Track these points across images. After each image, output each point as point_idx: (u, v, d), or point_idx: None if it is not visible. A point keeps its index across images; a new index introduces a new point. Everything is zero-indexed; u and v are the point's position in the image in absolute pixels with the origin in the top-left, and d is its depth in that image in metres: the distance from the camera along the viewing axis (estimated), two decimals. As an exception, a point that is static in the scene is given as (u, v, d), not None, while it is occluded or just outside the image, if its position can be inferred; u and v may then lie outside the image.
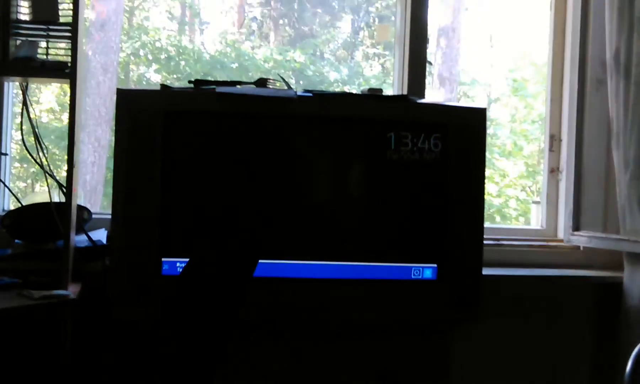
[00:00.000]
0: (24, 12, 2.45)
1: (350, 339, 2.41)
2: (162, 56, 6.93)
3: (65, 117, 6.20)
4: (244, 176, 2.29)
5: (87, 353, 2.47)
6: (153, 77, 7.19)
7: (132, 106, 2.24)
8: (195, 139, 2.27)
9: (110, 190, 6.53)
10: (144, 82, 7.29)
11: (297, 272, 2.34)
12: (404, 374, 2.42)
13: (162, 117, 2.24)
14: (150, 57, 6.90)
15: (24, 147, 2.63)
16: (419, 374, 2.43)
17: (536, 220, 3.26)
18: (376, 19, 8.01)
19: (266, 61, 7.23)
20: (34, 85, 3.14)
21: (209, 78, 6.77)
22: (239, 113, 2.27)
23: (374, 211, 2.38)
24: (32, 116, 2.59)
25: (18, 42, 2.44)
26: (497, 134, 7.12)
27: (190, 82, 2.35)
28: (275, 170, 2.30)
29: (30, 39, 2.45)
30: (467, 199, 2.38)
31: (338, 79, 7.75)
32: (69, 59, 2.40)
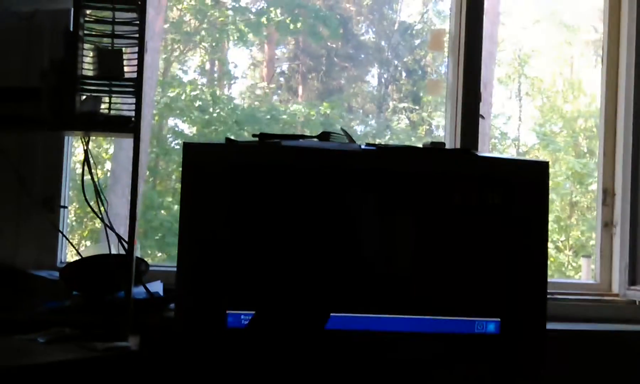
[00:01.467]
0: (88, 68, 2.49)
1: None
2: (195, 110, 7.02)
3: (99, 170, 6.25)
4: (310, 230, 2.29)
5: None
6: (186, 130, 7.28)
7: (198, 159, 2.26)
8: (261, 193, 2.28)
9: (145, 241, 6.55)
10: (177, 135, 7.38)
11: (362, 325, 2.33)
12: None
13: (229, 171, 2.25)
14: (182, 110, 7.00)
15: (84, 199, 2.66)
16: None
17: (586, 274, 3.25)
18: (403, 73, 8.09)
19: (296, 114, 7.31)
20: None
21: (242, 131, 6.84)
22: (305, 167, 2.29)
23: (439, 264, 2.37)
24: (92, 170, 2.63)
25: (83, 97, 2.48)
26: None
27: (254, 135, 2.37)
28: (340, 223, 2.31)
29: (94, 94, 2.49)
30: (531, 253, 2.37)
31: (367, 132, 7.83)
32: (130, 113, 2.44)
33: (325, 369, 2.28)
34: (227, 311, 2.28)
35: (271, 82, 7.88)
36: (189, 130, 7.39)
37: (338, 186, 2.31)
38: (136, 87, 2.44)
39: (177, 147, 7.15)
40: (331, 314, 2.28)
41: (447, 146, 3.00)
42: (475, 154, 2.48)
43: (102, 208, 2.62)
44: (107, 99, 2.52)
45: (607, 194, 3.12)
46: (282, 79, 8.11)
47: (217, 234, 2.27)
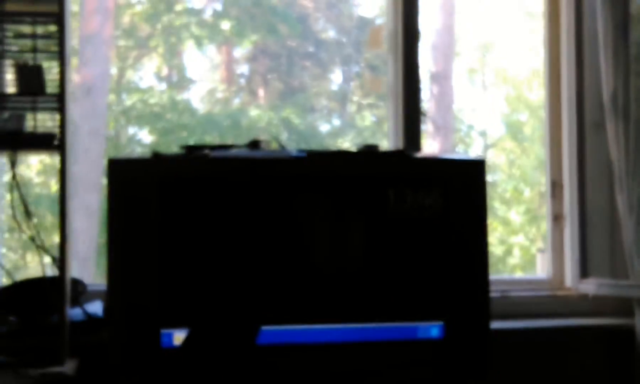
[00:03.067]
0: (9, 84, 2.41)
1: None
2: (152, 117, 6.91)
3: (54, 182, 6.15)
4: (242, 241, 2.22)
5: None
6: (144, 138, 7.17)
7: (124, 175, 2.19)
8: (190, 206, 2.21)
9: (103, 259, 6.45)
10: (135, 144, 7.27)
11: (299, 338, 2.27)
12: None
13: (156, 185, 2.18)
14: (140, 118, 6.89)
15: (14, 220, 2.58)
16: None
17: (542, 269, 3.20)
18: (366, 70, 8.02)
19: (258, 118, 7.22)
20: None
21: (202, 137, 6.76)
22: (233, 177, 2.22)
23: (376, 269, 2.31)
24: (21, 188, 2.55)
25: (5, 115, 2.39)
26: (496, 181, 7.10)
27: (182, 147, 2.30)
28: (273, 233, 2.24)
29: (17, 112, 2.40)
30: (471, 253, 2.32)
31: (330, 131, 7.75)
32: (57, 130, 2.36)
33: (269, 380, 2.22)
34: (161, 330, 2.21)
35: (231, 85, 7.79)
36: (148, 137, 7.28)
37: (269, 194, 2.24)
38: (60, 102, 2.35)
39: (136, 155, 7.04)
40: (271, 326, 2.21)
41: (392, 146, 2.95)
42: (409, 154, 2.42)
43: (32, 227, 2.53)
44: (31, 116, 2.43)
45: (556, 186, 3.07)
46: (242, 80, 8.02)
47: (147, 251, 2.20)
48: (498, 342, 2.53)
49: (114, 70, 6.86)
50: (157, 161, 2.25)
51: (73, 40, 6.14)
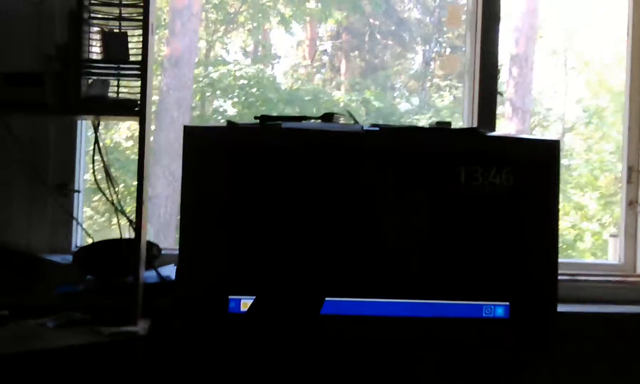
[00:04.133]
0: (95, 51, 2.49)
1: (421, 379, 2.35)
2: (237, 90, 7.02)
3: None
4: (311, 213, 2.26)
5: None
6: (229, 110, 7.28)
7: (198, 142, 2.24)
8: (262, 176, 2.26)
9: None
10: (220, 115, 7.39)
11: (368, 310, 2.30)
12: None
13: (229, 154, 2.23)
14: (225, 90, 7.00)
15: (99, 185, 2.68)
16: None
17: (613, 254, 3.15)
18: (447, 50, 7.96)
19: (338, 94, 7.26)
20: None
21: (284, 111, 6.83)
22: (305, 149, 2.25)
23: (445, 247, 2.32)
24: (103, 153, 2.64)
25: (90, 81, 2.47)
26: (572, 165, 6.97)
27: (256, 117, 2.34)
28: (342, 206, 2.27)
29: (101, 77, 2.48)
30: (541, 235, 2.31)
31: (410, 109, 7.73)
32: (139, 97, 2.43)
33: (330, 354, 2.25)
34: (229, 296, 2.27)
35: (314, 61, 7.83)
36: (232, 110, 7.40)
37: (340, 167, 2.27)
38: (142, 71, 2.42)
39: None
40: (338, 298, 2.25)
41: (465, 126, 2.94)
42: (482, 133, 2.41)
43: (112, 192, 2.62)
44: (115, 83, 2.51)
45: (632, 171, 3.01)
46: (325, 57, 8.06)
47: (218, 218, 2.25)
48: (566, 325, 2.52)
49: (202, 44, 6.98)
50: (231, 130, 2.29)
51: (164, 13, 6.29)
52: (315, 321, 2.14)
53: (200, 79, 7.04)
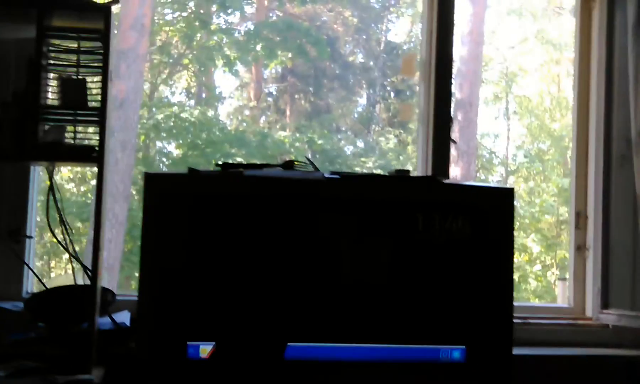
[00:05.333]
0: (52, 97, 2.48)
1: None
2: (182, 131, 7.01)
3: (83, 189, 6.24)
4: (272, 259, 2.27)
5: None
6: (173, 151, 7.27)
7: (160, 189, 2.24)
8: (223, 223, 2.26)
9: (127, 268, 6.54)
10: (164, 156, 7.37)
11: (325, 354, 2.31)
12: None
13: (191, 201, 2.24)
14: (169, 132, 6.99)
15: (48, 230, 2.65)
16: None
17: (562, 297, 3.22)
18: (392, 93, 8.09)
19: (284, 137, 7.31)
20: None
21: (230, 152, 6.84)
22: (267, 196, 2.27)
23: (402, 293, 2.34)
24: (58, 198, 2.61)
25: (47, 127, 2.46)
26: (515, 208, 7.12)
27: (217, 165, 2.36)
28: (303, 253, 2.29)
29: (59, 123, 2.47)
30: (497, 280, 2.35)
31: (355, 152, 7.82)
32: (96, 142, 2.42)
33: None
34: (188, 342, 2.25)
35: (259, 103, 7.88)
36: (176, 152, 7.38)
37: (301, 214, 2.29)
38: (100, 117, 2.42)
39: (165, 168, 7.15)
40: (294, 343, 2.26)
41: (420, 172, 2.99)
42: (439, 181, 2.46)
43: (67, 237, 2.60)
44: (71, 129, 2.50)
45: (580, 216, 3.10)
46: (270, 99, 8.11)
47: (178, 264, 2.24)
48: (518, 368, 2.56)
49: (146, 85, 6.98)
50: (193, 177, 2.30)
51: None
52: (275, 366, 2.14)
53: (145, 120, 7.02)
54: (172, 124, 7.00)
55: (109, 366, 2.42)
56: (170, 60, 7.21)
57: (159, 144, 7.24)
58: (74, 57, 2.49)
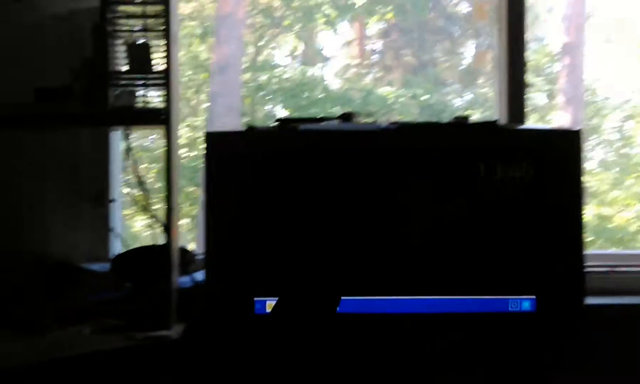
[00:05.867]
0: (121, 62, 2.55)
1: (445, 377, 2.33)
2: (287, 93, 7.06)
3: (194, 153, 6.39)
4: (331, 213, 2.27)
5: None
6: (279, 114, 7.33)
7: (218, 148, 2.28)
8: (280, 178, 2.28)
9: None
10: (271, 119, 7.45)
11: (393, 308, 2.30)
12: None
13: (248, 157, 2.26)
14: (275, 94, 7.05)
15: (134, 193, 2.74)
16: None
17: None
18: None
19: (389, 93, 7.24)
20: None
21: (334, 111, 6.85)
22: (322, 149, 2.27)
23: (468, 242, 2.30)
24: (135, 160, 2.70)
25: (117, 92, 2.53)
26: (631, 154, 6.83)
27: (276, 120, 2.37)
28: (363, 205, 2.28)
29: (128, 88, 2.54)
30: (566, 226, 2.27)
31: (461, 105, 7.66)
32: (163, 105, 2.47)
33: (353, 354, 2.26)
34: (255, 298, 2.29)
35: (363, 60, 7.84)
36: (283, 113, 7.44)
37: (359, 166, 2.28)
38: (166, 80, 2.47)
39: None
40: (359, 297, 2.26)
41: (497, 119, 2.91)
42: (501, 126, 2.39)
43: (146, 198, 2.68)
44: (142, 92, 2.56)
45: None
46: (375, 56, 8.06)
47: (241, 221, 2.28)
48: (602, 318, 2.48)
49: (249, 49, 7.05)
50: (250, 134, 2.32)
51: (209, 20, 6.36)
52: (337, 321, 2.15)
53: (249, 84, 7.11)
54: (276, 86, 7.06)
55: (188, 323, 2.49)
56: (272, 23, 7.26)
57: (265, 107, 7.32)
58: (139, 22, 2.55)
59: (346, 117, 2.38)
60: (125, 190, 2.83)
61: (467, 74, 7.75)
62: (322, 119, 2.39)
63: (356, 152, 2.26)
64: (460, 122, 2.36)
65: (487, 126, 2.36)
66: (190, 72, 6.62)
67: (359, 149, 2.26)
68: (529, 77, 2.92)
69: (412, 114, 6.70)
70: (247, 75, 6.99)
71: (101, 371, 2.29)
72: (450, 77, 7.65)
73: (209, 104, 6.22)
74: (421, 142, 2.29)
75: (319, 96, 7.06)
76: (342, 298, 2.08)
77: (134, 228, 4.95)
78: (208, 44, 6.56)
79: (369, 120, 2.43)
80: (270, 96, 7.20)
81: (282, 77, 7.15)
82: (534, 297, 2.29)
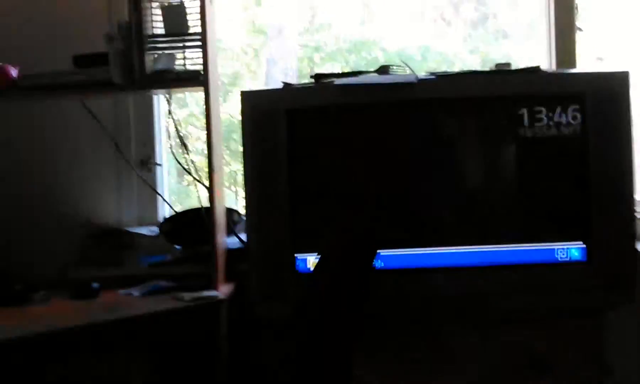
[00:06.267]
0: (157, 26, 2.54)
1: (493, 327, 2.29)
2: (343, 54, 7.01)
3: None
4: (370, 166, 2.24)
5: (241, 352, 2.51)
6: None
7: (255, 106, 2.26)
8: (318, 134, 2.26)
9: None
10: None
11: (438, 261, 2.27)
12: (556, 361, 2.26)
13: (284, 115, 2.24)
14: (331, 56, 7.00)
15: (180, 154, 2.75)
16: (571, 360, 2.26)
17: None
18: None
19: (447, 48, 7.11)
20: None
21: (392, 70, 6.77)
22: (359, 103, 2.23)
23: (512, 191, 2.26)
24: (177, 124, 2.70)
25: (155, 55, 2.53)
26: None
27: (312, 76, 2.34)
28: (400, 157, 2.24)
29: (165, 51, 2.53)
30: (613, 171, 2.20)
31: (524, 56, 7.49)
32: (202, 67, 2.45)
33: (401, 308, 2.24)
34: (296, 255, 2.28)
35: (423, 16, 7.69)
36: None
37: (396, 119, 2.23)
38: (202, 41, 2.45)
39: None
40: (414, 248, 2.22)
41: (546, 65, 2.82)
42: (544, 71, 2.31)
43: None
44: (182, 55, 2.55)
45: None
46: (433, 11, 7.89)
47: (280, 180, 2.26)
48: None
49: (304, 10, 7.01)
50: (286, 90, 2.30)
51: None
52: (379, 275, 2.12)
53: (305, 45, 7.05)
54: (333, 48, 6.98)
55: (238, 282, 2.50)
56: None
57: (322, 68, 7.25)
58: (172, -15, 2.53)
59: (382, 70, 2.34)
60: (171, 154, 2.82)
61: (529, 26, 7.56)
62: (358, 73, 2.34)
63: (393, 105, 2.22)
64: (501, 70, 2.29)
65: (530, 72, 2.28)
66: (246, 38, 6.61)
67: (396, 102, 2.22)
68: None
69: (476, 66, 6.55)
70: (304, 37, 6.94)
71: (152, 332, 2.32)
72: (511, 30, 7.47)
73: (265, 67, 6.19)
74: (460, 92, 2.23)
75: (377, 55, 6.97)
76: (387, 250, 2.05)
77: (182, 192, 4.99)
78: (263, 7, 6.53)
79: (407, 72, 2.38)
80: (327, 57, 7.14)
81: (339, 37, 7.08)
82: (583, 245, 2.22)
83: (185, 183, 3.11)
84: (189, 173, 2.71)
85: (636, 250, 2.23)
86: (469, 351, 2.31)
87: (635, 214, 2.22)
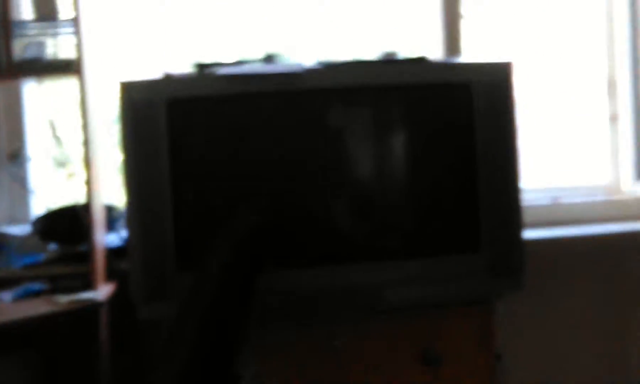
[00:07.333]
0: (26, 11, 2.40)
1: (384, 318, 2.26)
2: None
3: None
4: (254, 160, 2.17)
5: (120, 354, 2.41)
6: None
7: (133, 97, 2.14)
8: (200, 125, 2.17)
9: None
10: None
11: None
12: (446, 351, 2.26)
13: (165, 106, 2.13)
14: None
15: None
16: (462, 350, 2.26)
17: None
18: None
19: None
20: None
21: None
22: (243, 93, 2.15)
23: (398, 184, 2.24)
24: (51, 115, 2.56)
25: (25, 42, 2.38)
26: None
27: (195, 65, 2.24)
28: (285, 148, 2.18)
29: (35, 38, 2.39)
30: (500, 161, 2.20)
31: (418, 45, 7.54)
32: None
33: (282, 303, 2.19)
34: (178, 254, 2.19)
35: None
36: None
37: (281, 110, 2.17)
38: (75, 27, 2.32)
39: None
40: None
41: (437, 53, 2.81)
42: (430, 61, 2.29)
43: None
44: (50, 42, 2.41)
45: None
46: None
47: (161, 174, 2.16)
48: (550, 249, 2.51)
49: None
50: (166, 80, 2.19)
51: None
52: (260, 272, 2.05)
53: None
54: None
55: (119, 281, 2.39)
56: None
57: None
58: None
59: (268, 58, 2.26)
60: (43, 147, 2.67)
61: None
62: (242, 62, 2.26)
63: (279, 95, 2.15)
64: (388, 59, 2.25)
65: (416, 62, 2.25)
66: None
67: (281, 92, 2.15)
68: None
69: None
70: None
71: (26, 339, 2.21)
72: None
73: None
74: (347, 81, 2.18)
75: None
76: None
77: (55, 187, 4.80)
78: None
79: (294, 61, 2.32)
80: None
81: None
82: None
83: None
84: (63, 167, 2.57)
85: (523, 238, 2.23)
86: (356, 347, 2.27)
87: (521, 201, 2.23)
